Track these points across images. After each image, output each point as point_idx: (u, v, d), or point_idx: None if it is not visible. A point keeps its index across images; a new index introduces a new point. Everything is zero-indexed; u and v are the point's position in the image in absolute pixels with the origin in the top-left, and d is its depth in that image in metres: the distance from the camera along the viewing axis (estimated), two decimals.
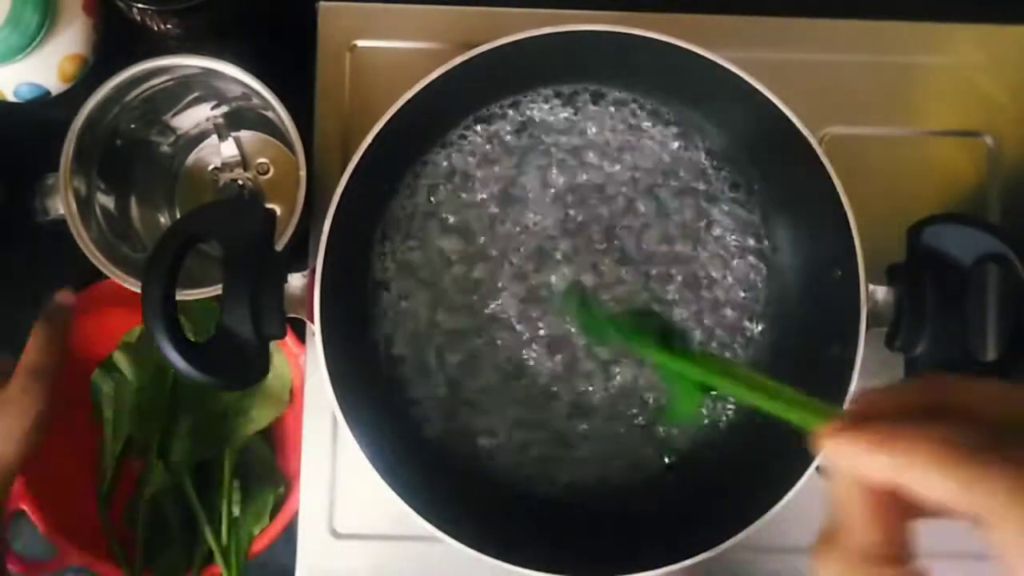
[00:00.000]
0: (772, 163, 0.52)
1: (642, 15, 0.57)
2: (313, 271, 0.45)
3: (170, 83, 0.55)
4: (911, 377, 0.34)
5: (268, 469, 0.59)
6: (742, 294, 0.53)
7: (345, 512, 0.55)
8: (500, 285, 0.52)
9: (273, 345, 0.45)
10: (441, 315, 0.52)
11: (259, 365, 0.44)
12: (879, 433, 0.27)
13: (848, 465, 0.28)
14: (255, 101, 0.55)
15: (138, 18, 0.56)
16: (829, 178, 0.46)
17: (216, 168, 0.61)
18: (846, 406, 0.34)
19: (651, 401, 0.52)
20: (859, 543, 0.27)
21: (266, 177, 0.61)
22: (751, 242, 0.53)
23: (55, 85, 0.57)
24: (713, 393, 0.48)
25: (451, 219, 0.53)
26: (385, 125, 0.46)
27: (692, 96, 0.52)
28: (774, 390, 0.33)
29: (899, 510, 0.27)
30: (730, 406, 0.53)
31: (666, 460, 0.52)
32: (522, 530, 0.49)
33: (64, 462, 0.59)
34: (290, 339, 0.55)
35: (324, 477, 0.55)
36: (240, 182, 0.61)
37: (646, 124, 0.54)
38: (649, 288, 0.52)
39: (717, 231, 0.53)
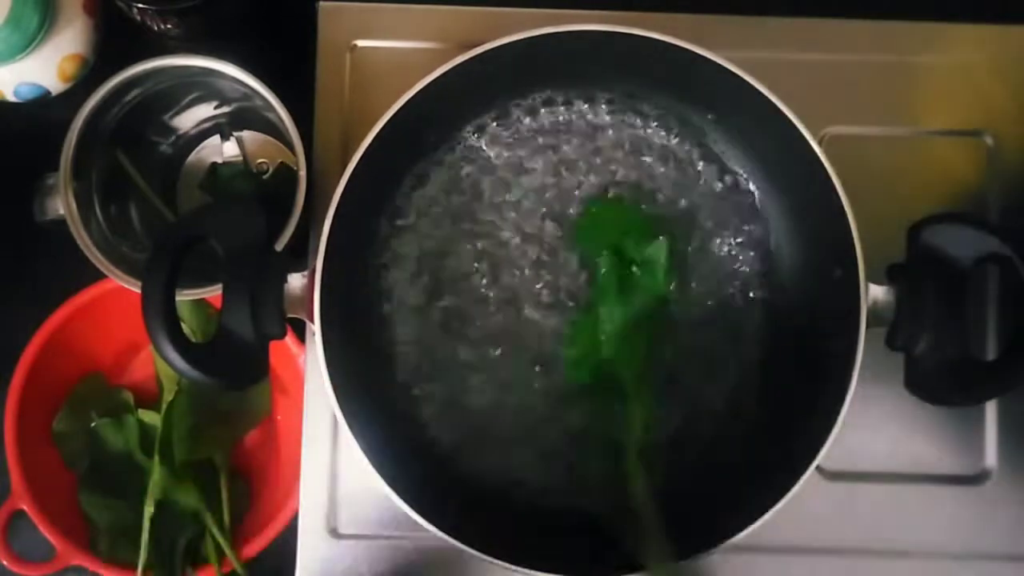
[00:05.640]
0: (772, 163, 0.52)
1: (642, 15, 0.57)
2: (313, 271, 0.45)
3: (170, 83, 0.55)
4: None
5: None
6: (742, 294, 0.53)
7: (345, 512, 0.55)
8: (502, 284, 0.52)
9: None
10: (443, 314, 0.52)
11: (259, 365, 0.44)
12: None
13: None
14: (256, 101, 0.55)
15: (138, 18, 0.56)
16: (829, 178, 0.46)
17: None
18: None
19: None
20: None
21: (266, 177, 0.61)
22: (750, 242, 0.53)
23: (55, 85, 0.57)
24: None
25: (453, 218, 0.53)
26: (385, 125, 0.46)
27: (691, 96, 0.52)
28: None
29: None
30: (728, 408, 0.53)
31: (666, 460, 0.52)
32: (523, 530, 0.49)
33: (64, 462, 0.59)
34: (290, 339, 0.55)
35: (324, 477, 0.55)
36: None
37: (646, 124, 0.54)
38: None
39: (716, 231, 0.53)
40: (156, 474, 0.57)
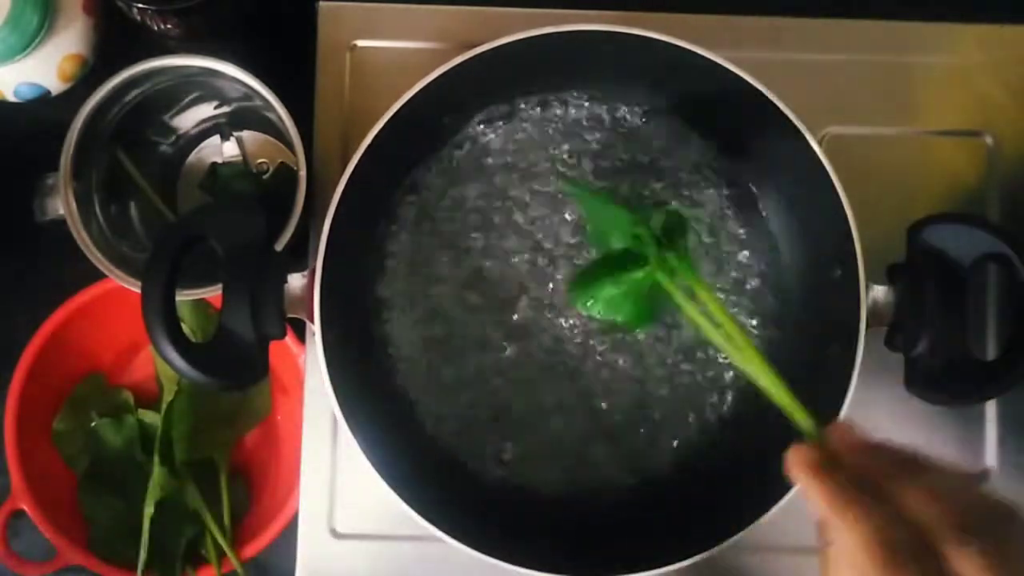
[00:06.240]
0: (772, 163, 0.52)
1: (642, 15, 0.57)
2: (313, 271, 0.45)
3: (170, 83, 0.55)
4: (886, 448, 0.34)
5: None
6: (742, 293, 0.53)
7: (345, 512, 0.55)
8: (501, 283, 0.52)
9: None
10: (444, 314, 0.52)
11: (259, 365, 0.44)
12: (834, 495, 0.30)
13: (802, 487, 0.32)
14: (256, 101, 0.55)
15: (138, 18, 0.56)
16: (829, 178, 0.46)
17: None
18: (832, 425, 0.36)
19: (652, 405, 0.52)
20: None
21: (266, 177, 0.61)
22: (750, 242, 0.53)
23: (55, 85, 0.57)
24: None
25: (452, 219, 0.53)
26: (385, 125, 0.46)
27: (692, 97, 0.52)
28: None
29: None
30: (728, 408, 0.53)
31: (665, 461, 0.52)
32: (522, 530, 0.49)
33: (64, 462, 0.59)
34: (290, 339, 0.55)
35: (324, 477, 0.55)
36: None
37: (646, 125, 0.54)
38: None
39: (717, 231, 0.53)
40: (156, 474, 0.57)
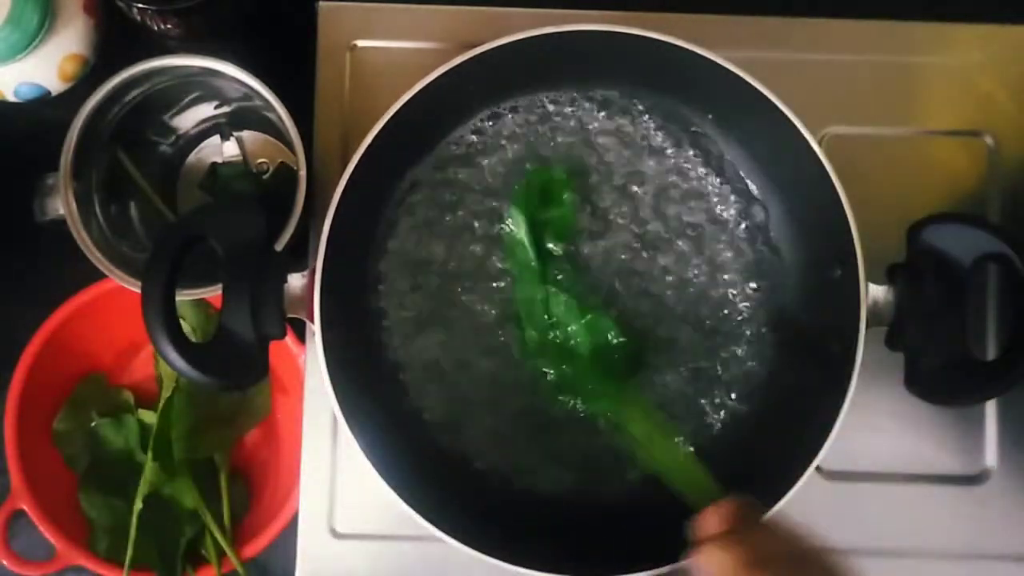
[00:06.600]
0: (772, 163, 0.52)
1: (642, 15, 0.57)
2: (313, 271, 0.45)
3: (170, 83, 0.55)
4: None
5: None
6: (742, 294, 0.53)
7: (345, 512, 0.55)
8: (502, 284, 0.52)
9: None
10: (443, 314, 0.52)
11: (259, 365, 0.44)
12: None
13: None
14: (256, 101, 0.55)
15: (138, 18, 0.56)
16: (829, 178, 0.46)
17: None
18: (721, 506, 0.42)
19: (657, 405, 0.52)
20: None
21: (266, 177, 0.61)
22: (751, 242, 0.53)
23: (55, 85, 0.57)
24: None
25: (452, 219, 0.53)
26: (385, 125, 0.46)
27: (692, 97, 0.52)
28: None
29: None
30: (728, 408, 0.53)
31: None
32: (522, 530, 0.49)
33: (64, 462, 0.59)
34: (290, 339, 0.55)
35: (324, 477, 0.55)
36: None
37: (646, 126, 0.54)
38: (649, 292, 0.52)
39: (716, 231, 0.53)
40: (147, 469, 0.57)
